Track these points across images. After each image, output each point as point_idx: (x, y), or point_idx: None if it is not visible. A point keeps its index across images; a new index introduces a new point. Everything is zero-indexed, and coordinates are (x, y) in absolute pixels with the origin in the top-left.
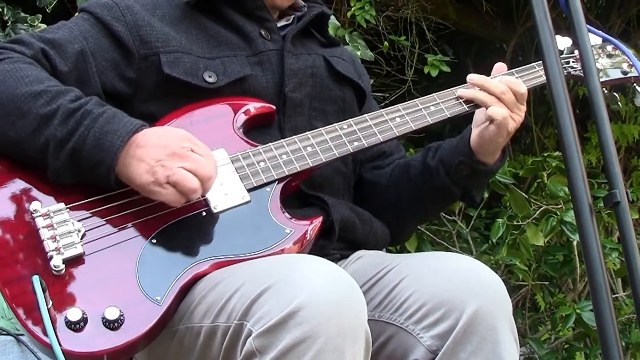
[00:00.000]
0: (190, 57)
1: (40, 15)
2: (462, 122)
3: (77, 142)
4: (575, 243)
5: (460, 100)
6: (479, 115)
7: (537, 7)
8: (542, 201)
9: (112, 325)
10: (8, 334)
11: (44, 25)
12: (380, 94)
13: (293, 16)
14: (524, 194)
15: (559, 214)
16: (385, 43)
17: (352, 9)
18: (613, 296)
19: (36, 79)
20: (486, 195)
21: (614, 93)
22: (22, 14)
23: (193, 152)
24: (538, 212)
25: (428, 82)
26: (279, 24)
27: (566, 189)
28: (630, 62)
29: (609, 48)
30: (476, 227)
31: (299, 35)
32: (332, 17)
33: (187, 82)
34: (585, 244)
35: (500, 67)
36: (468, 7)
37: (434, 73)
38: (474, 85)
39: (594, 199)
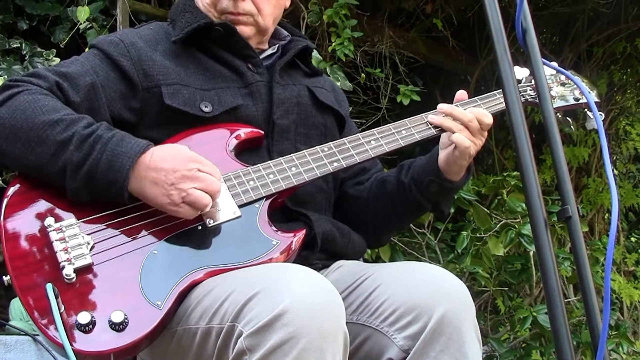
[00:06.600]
0: (189, 89)
1: (55, 50)
2: (430, 145)
3: (92, 165)
4: (531, 253)
5: (430, 125)
6: (444, 138)
7: (498, 42)
8: (502, 216)
9: (118, 327)
10: (26, 334)
11: (58, 59)
12: (357, 120)
13: (277, 45)
14: (486, 209)
15: (517, 227)
16: (363, 75)
17: (333, 44)
18: (565, 300)
19: (53, 108)
20: (452, 210)
21: (567, 118)
22: (39, 49)
23: (200, 170)
24: (498, 225)
25: (400, 110)
26: (266, 54)
27: (524, 205)
28: (581, 90)
29: (563, 77)
30: (443, 238)
31: (285, 66)
32: (315, 51)
33: (186, 111)
34: (541, 254)
35: (461, 94)
36: (436, 42)
37: (406, 102)
38: (444, 113)
39: (548, 213)
